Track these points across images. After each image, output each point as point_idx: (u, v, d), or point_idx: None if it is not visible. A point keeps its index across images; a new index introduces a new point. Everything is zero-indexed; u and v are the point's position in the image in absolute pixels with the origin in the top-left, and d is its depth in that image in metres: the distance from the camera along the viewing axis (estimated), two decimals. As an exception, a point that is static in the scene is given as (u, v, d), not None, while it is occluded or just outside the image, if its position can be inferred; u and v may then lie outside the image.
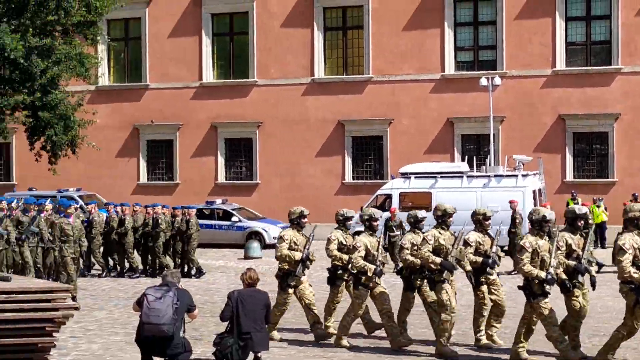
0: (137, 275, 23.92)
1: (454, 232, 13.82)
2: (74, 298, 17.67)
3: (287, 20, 36.01)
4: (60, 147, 29.38)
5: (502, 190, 28.94)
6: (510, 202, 26.00)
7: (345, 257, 14.09)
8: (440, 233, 13.40)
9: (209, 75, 37.04)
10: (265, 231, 31.96)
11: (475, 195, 29.02)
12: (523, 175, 29.37)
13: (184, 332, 10.55)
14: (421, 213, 14.12)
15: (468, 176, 29.94)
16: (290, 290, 14.45)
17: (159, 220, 23.95)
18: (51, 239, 19.73)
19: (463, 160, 32.31)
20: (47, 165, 30.46)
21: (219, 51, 37.37)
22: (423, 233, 13.75)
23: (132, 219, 24.49)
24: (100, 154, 35.30)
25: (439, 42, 34.59)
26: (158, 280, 12.64)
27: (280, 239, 14.40)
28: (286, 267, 14.37)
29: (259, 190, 36.30)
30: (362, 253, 13.54)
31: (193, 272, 24.03)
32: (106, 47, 36.56)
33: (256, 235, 31.63)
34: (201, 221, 32.16)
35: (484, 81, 32.05)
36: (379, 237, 14.04)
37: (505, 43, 33.98)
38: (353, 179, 35.57)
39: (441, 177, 30.10)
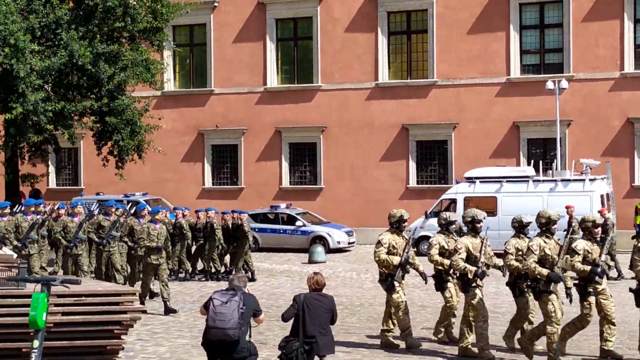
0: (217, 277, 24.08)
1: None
2: (143, 302, 17.95)
3: (351, 25, 36.01)
4: (127, 152, 29.71)
5: (569, 195, 28.58)
6: (567, 207, 25.50)
7: (446, 261, 13.81)
8: (545, 242, 12.86)
9: (273, 80, 37.20)
10: (330, 236, 32.01)
11: (542, 200, 28.71)
12: (590, 180, 28.98)
13: (250, 336, 10.57)
14: (526, 218, 13.62)
15: (534, 180, 29.65)
16: (399, 289, 14.02)
17: (214, 225, 24.10)
18: (130, 243, 20.21)
19: (529, 164, 31.99)
20: (114, 170, 30.85)
21: (283, 56, 37.52)
22: (528, 238, 13.30)
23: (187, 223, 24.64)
24: (166, 158, 35.69)
25: (504, 45, 34.29)
26: (218, 285, 12.72)
27: (379, 242, 14.03)
28: (386, 270, 14.03)
29: (323, 194, 36.33)
30: (464, 255, 13.26)
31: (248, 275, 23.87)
32: (172, 53, 36.93)
33: (320, 239, 31.68)
34: (265, 225, 32.52)
35: (550, 84, 31.67)
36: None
37: (572, 46, 33.55)
38: (417, 184, 35.41)
39: (507, 181, 29.87)
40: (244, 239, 24.06)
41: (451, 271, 13.85)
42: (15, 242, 19.47)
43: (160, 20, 29.74)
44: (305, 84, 36.79)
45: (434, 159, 35.51)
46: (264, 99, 37.20)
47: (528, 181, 29.69)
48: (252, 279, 23.56)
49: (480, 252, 13.32)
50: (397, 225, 14.10)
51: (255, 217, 32.44)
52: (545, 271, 12.61)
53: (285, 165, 37.05)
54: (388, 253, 13.86)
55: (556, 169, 30.40)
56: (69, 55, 26.71)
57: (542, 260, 12.73)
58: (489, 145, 34.34)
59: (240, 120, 37.49)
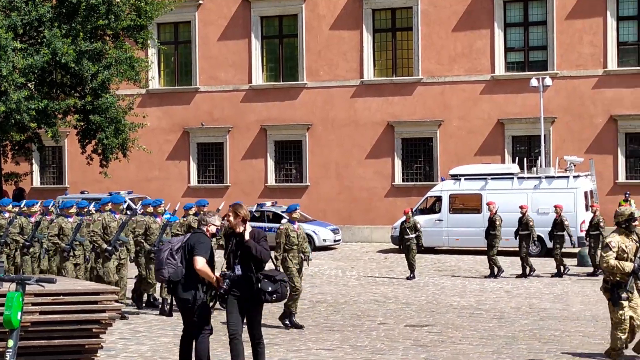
0: None
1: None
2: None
3: (336, 22, 36.01)
4: (111, 150, 29.66)
5: (553, 192, 28.72)
6: (555, 206, 25.60)
7: (628, 265, 11.80)
8: (624, 239, 11.91)
9: (258, 78, 37.16)
10: (315, 233, 32.02)
11: (526, 197, 28.84)
12: (574, 177, 29.12)
13: (209, 295, 10.58)
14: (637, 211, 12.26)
15: (519, 178, 29.77)
16: (625, 304, 11.94)
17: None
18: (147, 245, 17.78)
19: (514, 161, 32.08)
20: (98, 168, 30.78)
21: (268, 54, 37.48)
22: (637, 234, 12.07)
23: None
24: (151, 157, 35.64)
25: (489, 43, 34.34)
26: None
27: (607, 246, 12.00)
28: (614, 278, 11.96)
29: (309, 192, 36.33)
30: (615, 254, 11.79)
31: None
32: (156, 51, 36.87)
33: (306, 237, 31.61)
34: (251, 223, 32.35)
35: (534, 82, 31.75)
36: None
37: (555, 43, 33.64)
38: (403, 181, 35.44)
39: (491, 178, 29.97)
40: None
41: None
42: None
43: (144, 18, 29.70)
44: (291, 82, 36.77)
45: (419, 157, 35.55)
46: (249, 96, 37.17)
47: (513, 178, 29.80)
48: None
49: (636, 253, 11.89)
50: (625, 225, 12.12)
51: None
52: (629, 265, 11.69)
53: (270, 163, 37.03)
54: (617, 258, 11.93)
55: (540, 166, 30.52)
56: (52, 53, 26.66)
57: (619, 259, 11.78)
58: (474, 143, 34.41)
59: (225, 118, 37.44)
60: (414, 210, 30.91)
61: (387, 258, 29.77)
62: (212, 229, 10.60)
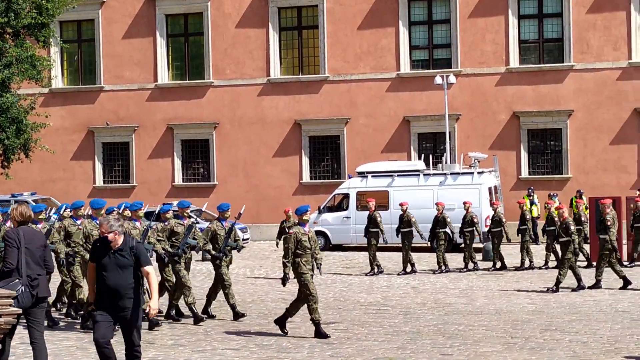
0: None
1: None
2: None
3: (242, 21, 35.90)
4: (13, 151, 29.07)
5: (458, 188, 29.12)
6: (464, 203, 25.88)
7: None
8: None
9: (164, 76, 36.82)
10: (223, 232, 31.77)
11: (432, 193, 29.20)
12: (479, 173, 29.59)
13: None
14: None
15: (425, 174, 30.09)
16: None
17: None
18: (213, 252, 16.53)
19: (419, 158, 32.46)
20: (-1, 169, 30.13)
21: (174, 52, 37.17)
22: None
23: None
24: (55, 157, 35.02)
25: (394, 41, 34.67)
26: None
27: None
28: None
29: (217, 191, 36.14)
30: None
31: None
32: (59, 49, 36.21)
33: (214, 236, 31.40)
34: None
35: (438, 79, 32.17)
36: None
37: (459, 41, 34.14)
38: (311, 179, 35.54)
39: (398, 175, 30.24)
40: None
41: None
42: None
43: (46, 16, 29.19)
44: (197, 80, 36.53)
45: (326, 154, 35.70)
46: (155, 95, 36.81)
47: (419, 175, 30.12)
48: None
49: None
50: None
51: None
52: None
53: (177, 162, 36.73)
54: None
55: (446, 163, 30.93)
56: (-51, 52, 25.99)
57: None
58: (381, 140, 34.70)
59: (131, 117, 37.00)
60: (322, 208, 31.14)
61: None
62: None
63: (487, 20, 33.83)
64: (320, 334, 14.48)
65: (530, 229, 25.21)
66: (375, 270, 24.17)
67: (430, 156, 31.88)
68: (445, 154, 31.84)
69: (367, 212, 25.21)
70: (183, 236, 16.24)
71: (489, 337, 14.27)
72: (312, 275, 14.61)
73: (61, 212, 17.91)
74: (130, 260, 10.05)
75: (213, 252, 16.37)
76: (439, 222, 25.06)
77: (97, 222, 14.78)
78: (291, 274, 14.73)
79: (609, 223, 20.17)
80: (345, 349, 13.48)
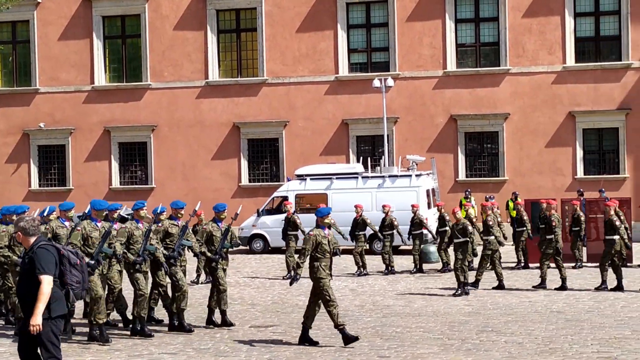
0: None
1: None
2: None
3: (180, 23, 35.71)
4: (-55, 154, 28.51)
5: (396, 191, 29.27)
6: (412, 205, 25.86)
7: None
8: None
9: (101, 78, 36.47)
10: (161, 236, 31.54)
11: (371, 196, 29.30)
12: (417, 175, 29.77)
13: None
14: None
15: (363, 177, 30.21)
16: None
17: None
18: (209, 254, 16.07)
19: (358, 161, 32.59)
20: None
21: (111, 54, 36.83)
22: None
23: None
24: (-11, 160, 34.48)
25: (332, 44, 34.76)
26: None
27: None
28: None
29: (155, 194, 35.86)
30: None
31: None
32: (-7, 51, 35.70)
33: (151, 240, 31.17)
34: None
35: (377, 82, 32.33)
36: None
37: (397, 45, 34.34)
38: (249, 182, 35.48)
39: (336, 178, 30.31)
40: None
41: None
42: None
43: (-21, 17, 28.69)
44: (135, 83, 36.26)
45: (265, 157, 35.67)
46: (92, 97, 36.43)
47: (357, 177, 30.22)
48: None
49: None
50: None
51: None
52: None
53: (115, 165, 36.41)
54: None
55: (384, 166, 31.08)
56: None
57: None
58: (319, 143, 34.77)
59: (67, 119, 36.58)
60: (261, 210, 31.07)
61: (234, 259, 29.67)
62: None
63: (424, 24, 34.09)
64: (348, 338, 13.75)
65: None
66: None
67: (369, 159, 32.05)
68: (383, 157, 32.00)
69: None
70: (177, 237, 15.69)
71: (426, 339, 14.37)
72: (330, 280, 14.17)
73: (45, 214, 17.36)
74: (29, 266, 9.05)
75: (209, 254, 15.95)
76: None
77: (97, 223, 14.35)
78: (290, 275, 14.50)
79: (554, 224, 20.46)
80: (283, 352, 13.47)
